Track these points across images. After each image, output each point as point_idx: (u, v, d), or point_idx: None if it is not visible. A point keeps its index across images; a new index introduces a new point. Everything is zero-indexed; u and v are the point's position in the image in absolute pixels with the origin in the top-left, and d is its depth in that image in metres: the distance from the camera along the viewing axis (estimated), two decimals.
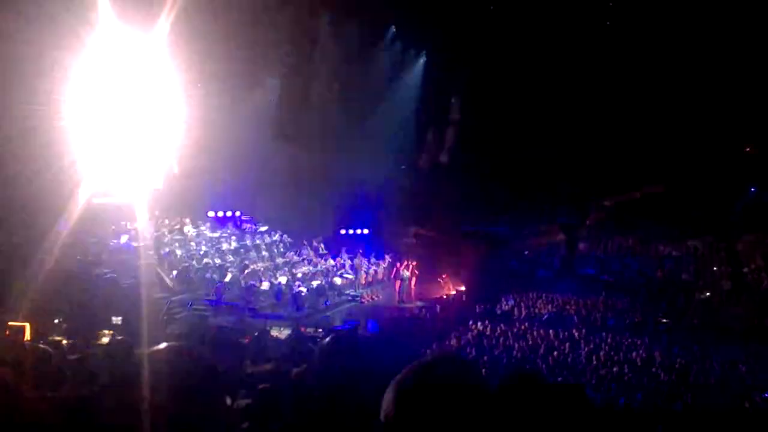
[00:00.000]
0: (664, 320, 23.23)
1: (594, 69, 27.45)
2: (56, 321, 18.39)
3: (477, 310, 24.95)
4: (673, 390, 16.01)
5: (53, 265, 19.93)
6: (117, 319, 18.35)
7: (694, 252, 28.80)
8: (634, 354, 19.12)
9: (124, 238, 22.25)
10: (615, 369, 17.69)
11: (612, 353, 19.23)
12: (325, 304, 22.55)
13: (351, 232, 29.88)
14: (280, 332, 18.75)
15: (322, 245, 28.29)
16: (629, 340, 20.61)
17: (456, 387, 2.62)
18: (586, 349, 19.64)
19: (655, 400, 15.17)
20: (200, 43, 23.55)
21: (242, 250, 25.55)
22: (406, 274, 25.79)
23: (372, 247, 29.02)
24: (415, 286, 26.13)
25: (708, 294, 26.35)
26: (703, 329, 22.00)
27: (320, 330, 18.73)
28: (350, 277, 25.06)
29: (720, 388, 16.22)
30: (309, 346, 17.01)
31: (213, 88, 26.58)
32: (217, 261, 23.38)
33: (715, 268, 28.02)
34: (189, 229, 24.76)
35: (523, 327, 22.48)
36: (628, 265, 29.28)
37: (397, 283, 26.08)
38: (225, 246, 24.97)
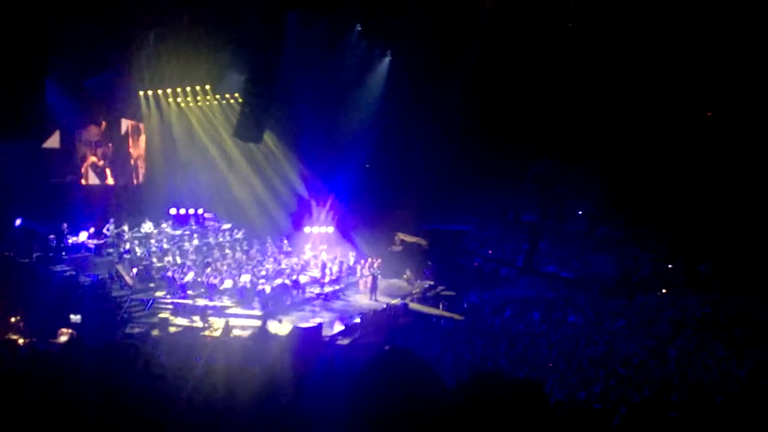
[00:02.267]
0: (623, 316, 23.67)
1: (554, 67, 27.86)
2: (13, 319, 18.00)
3: (441, 307, 25.14)
4: (631, 384, 16.36)
5: (10, 262, 19.56)
6: (76, 318, 18.06)
7: (650, 249, 29.40)
8: (593, 349, 19.49)
9: (83, 236, 21.87)
10: (575, 364, 18.01)
11: (572, 349, 19.57)
12: (290, 302, 22.46)
13: (314, 229, 29.80)
14: (243, 331, 18.65)
15: (286, 242, 28.18)
16: (588, 336, 20.98)
17: (407, 381, 2.70)
18: (547, 345, 19.95)
19: (614, 394, 15.49)
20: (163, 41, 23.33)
21: (205, 248, 25.31)
22: (377, 271, 25.84)
23: (336, 245, 29.03)
24: (379, 283, 26.28)
25: (665, 291, 26.97)
26: (659, 324, 22.48)
27: (285, 328, 18.69)
28: (314, 274, 25.00)
29: (677, 382, 16.60)
30: (272, 344, 16.98)
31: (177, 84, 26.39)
32: (179, 259, 23.11)
33: (670, 266, 28.70)
34: (149, 227, 24.42)
35: (486, 323, 22.73)
36: (588, 263, 29.82)
37: (362, 281, 26.13)
38: (187, 245, 24.69)
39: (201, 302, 20.59)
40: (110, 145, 25.58)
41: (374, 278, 25.33)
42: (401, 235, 30.37)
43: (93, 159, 24.86)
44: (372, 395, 2.76)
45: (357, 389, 2.81)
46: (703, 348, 19.62)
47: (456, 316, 23.87)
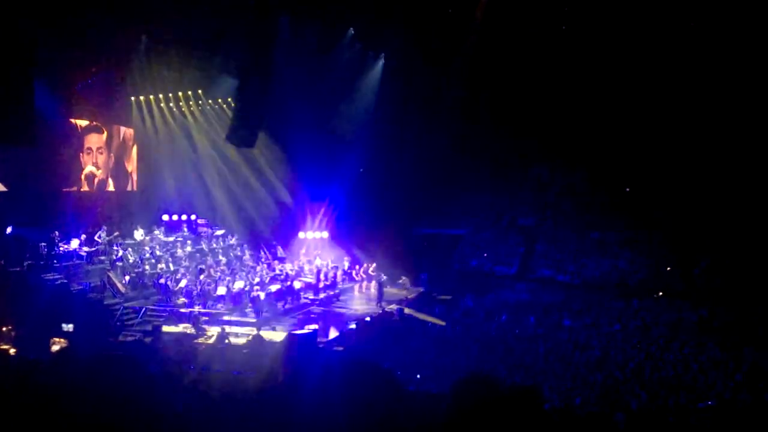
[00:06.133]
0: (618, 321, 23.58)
1: (548, 71, 27.85)
2: (4, 329, 17.78)
3: (437, 312, 25.01)
4: (628, 388, 16.27)
5: (1, 271, 19.32)
6: (68, 327, 17.84)
7: (648, 252, 29.30)
8: (589, 354, 19.39)
9: (74, 243, 21.63)
10: (571, 369, 17.91)
11: (568, 353, 19.46)
12: (284, 308, 22.29)
13: (309, 235, 29.64)
14: (238, 338, 18.48)
15: (280, 248, 28.01)
16: (585, 341, 20.89)
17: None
18: (543, 349, 19.85)
19: (610, 399, 15.40)
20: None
21: (198, 254, 25.12)
22: (384, 277, 25.61)
23: (331, 250, 28.88)
24: (374, 289, 26.16)
25: (661, 294, 26.89)
26: (656, 329, 22.40)
27: (279, 335, 18.50)
28: (309, 280, 24.85)
29: (673, 387, 16.52)
30: (267, 351, 16.81)
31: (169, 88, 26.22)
32: (172, 266, 22.90)
33: (668, 269, 28.60)
34: (140, 235, 24.21)
35: (481, 328, 22.62)
36: (585, 266, 29.71)
37: (357, 286, 26.00)
38: (180, 252, 24.48)
39: (195, 309, 20.39)
40: (102, 151, 25.34)
41: (380, 285, 25.11)
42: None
43: (88, 165, 24.61)
44: (365, 402, 2.71)
45: (352, 396, 2.75)
46: (700, 351, 19.55)
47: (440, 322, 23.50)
